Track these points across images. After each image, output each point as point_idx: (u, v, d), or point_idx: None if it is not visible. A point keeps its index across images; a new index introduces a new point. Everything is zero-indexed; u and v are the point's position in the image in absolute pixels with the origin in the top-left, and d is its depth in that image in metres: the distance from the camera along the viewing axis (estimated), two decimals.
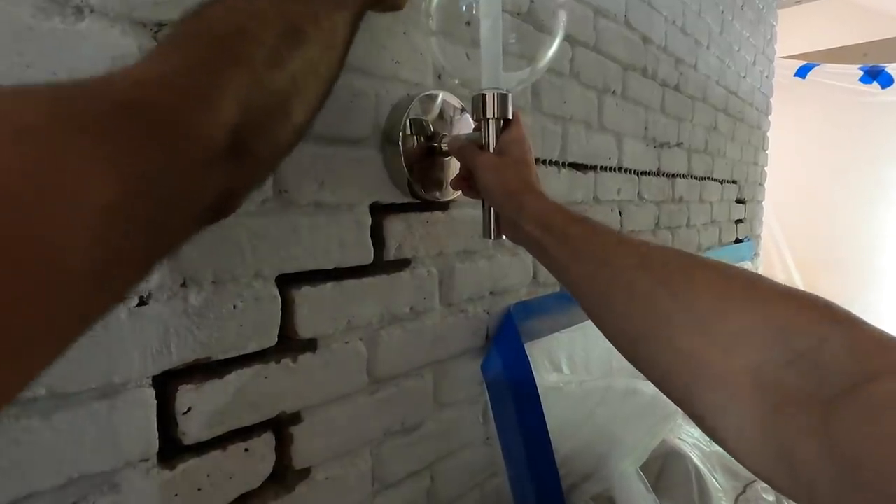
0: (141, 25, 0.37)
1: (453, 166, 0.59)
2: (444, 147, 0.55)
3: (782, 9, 1.84)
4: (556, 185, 0.81)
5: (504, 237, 0.48)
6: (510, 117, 0.47)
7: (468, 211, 0.65)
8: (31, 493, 0.34)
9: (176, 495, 0.41)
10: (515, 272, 0.74)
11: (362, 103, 0.52)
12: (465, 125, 0.61)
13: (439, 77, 0.60)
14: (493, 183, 0.44)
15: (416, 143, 0.54)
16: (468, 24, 0.63)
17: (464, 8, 0.50)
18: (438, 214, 0.61)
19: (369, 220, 0.54)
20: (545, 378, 0.72)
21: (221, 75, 0.26)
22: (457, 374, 0.67)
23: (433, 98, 0.57)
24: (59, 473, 0.35)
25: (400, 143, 0.53)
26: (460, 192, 0.58)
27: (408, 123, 0.53)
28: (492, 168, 0.45)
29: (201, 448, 0.42)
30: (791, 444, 0.23)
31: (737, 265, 0.31)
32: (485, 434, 0.72)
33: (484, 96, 0.46)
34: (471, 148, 0.47)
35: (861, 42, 2.42)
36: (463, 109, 0.61)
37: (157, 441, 0.40)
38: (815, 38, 2.46)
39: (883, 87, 1.80)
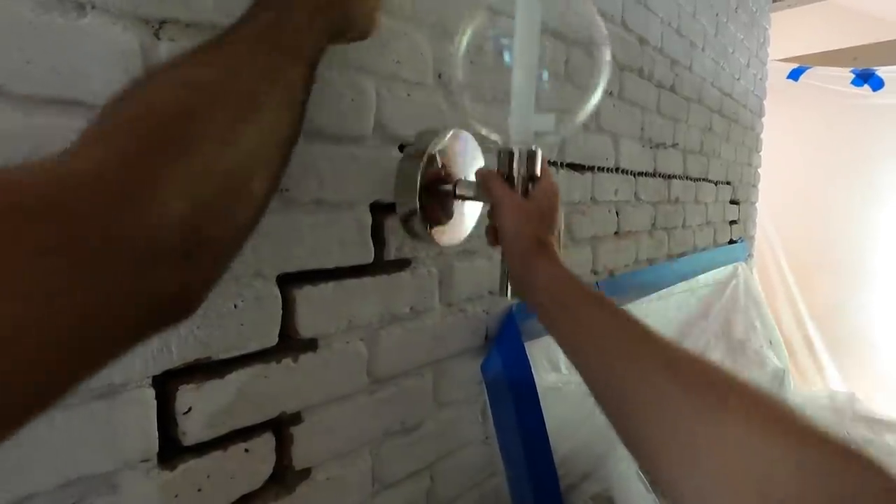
0: (143, 22, 0.36)
1: (464, 211, 0.56)
2: (462, 192, 0.52)
3: (775, 12, 1.86)
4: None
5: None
6: (538, 175, 0.44)
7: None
8: (30, 493, 0.33)
9: (176, 496, 0.40)
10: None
11: (363, 102, 0.51)
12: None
13: (439, 76, 0.60)
14: (510, 232, 0.42)
15: (432, 180, 0.52)
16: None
17: (497, 55, 0.45)
18: None
19: (370, 220, 0.54)
20: (544, 378, 0.72)
21: (164, 166, 0.24)
22: (456, 373, 0.67)
23: (456, 137, 0.55)
24: (58, 474, 0.34)
25: (418, 181, 0.50)
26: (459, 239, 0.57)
27: (426, 161, 0.51)
28: (514, 212, 0.42)
29: (202, 448, 0.42)
30: None
31: (765, 389, 0.28)
32: (484, 434, 0.72)
33: (511, 153, 0.43)
34: (499, 183, 0.44)
35: (852, 46, 2.45)
36: (486, 146, 0.59)
37: (158, 441, 0.39)
38: (808, 42, 2.49)
39: (874, 89, 1.83)
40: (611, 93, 0.94)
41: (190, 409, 0.41)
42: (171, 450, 0.40)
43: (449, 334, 0.65)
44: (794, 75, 1.97)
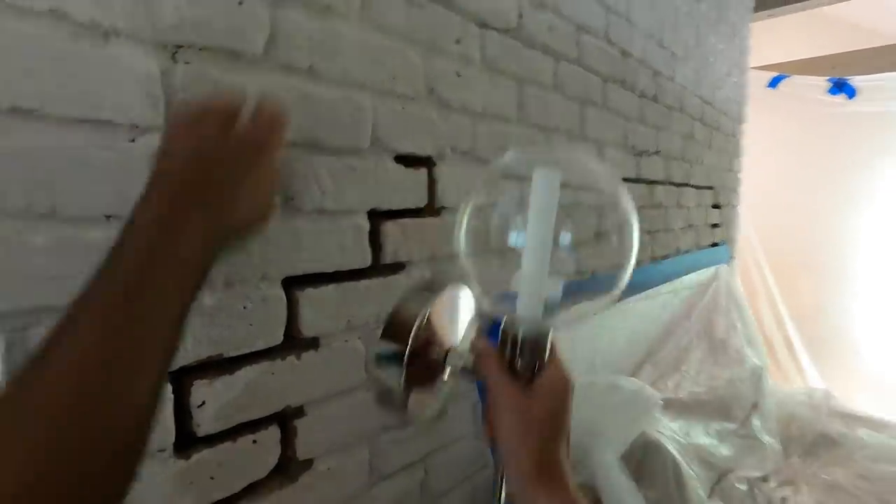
0: (162, 47, 0.40)
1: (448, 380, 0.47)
2: (453, 364, 0.43)
3: (756, 21, 1.93)
4: None
5: None
6: (543, 363, 0.37)
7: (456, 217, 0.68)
8: None
9: (191, 483, 0.43)
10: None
11: (361, 116, 0.55)
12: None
13: (431, 91, 0.63)
14: (507, 443, 0.35)
15: (421, 348, 0.42)
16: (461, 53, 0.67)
17: (503, 228, 0.39)
18: (431, 220, 0.65)
19: (368, 226, 0.57)
20: None
21: None
22: None
23: (453, 293, 0.47)
24: None
25: (406, 354, 0.41)
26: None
27: (418, 327, 0.42)
28: (513, 415, 0.35)
29: (213, 439, 0.45)
30: None
31: None
32: (475, 429, 0.76)
33: (515, 336, 0.37)
34: (496, 368, 0.37)
35: (830, 54, 2.53)
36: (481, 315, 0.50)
37: (174, 432, 0.42)
38: (788, 49, 2.57)
39: (849, 97, 1.90)
40: (595, 103, 0.99)
41: (203, 402, 0.44)
42: (186, 441, 0.44)
43: None
44: (773, 83, 2.04)
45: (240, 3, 0.44)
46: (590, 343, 0.97)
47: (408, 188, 0.62)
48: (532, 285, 0.36)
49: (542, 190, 0.35)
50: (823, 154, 2.04)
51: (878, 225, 2.03)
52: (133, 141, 0.39)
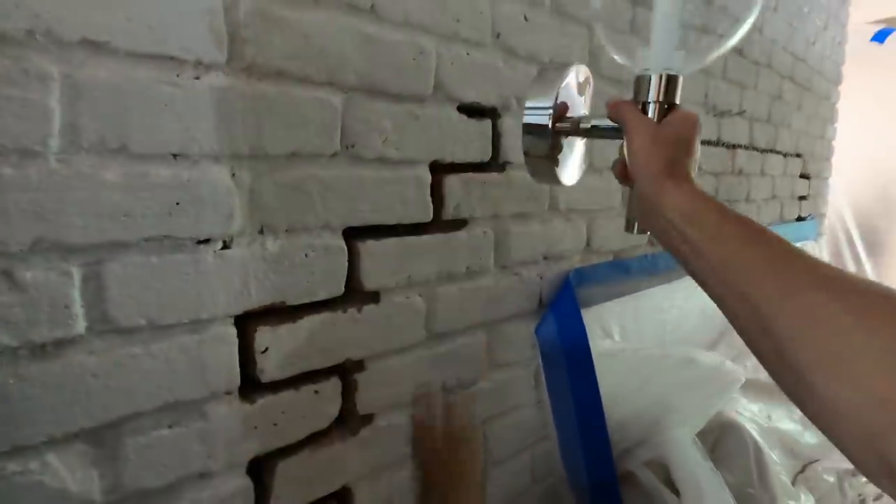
0: None
1: (576, 148, 0.52)
2: (585, 127, 0.48)
3: None
4: (613, 152, 0.80)
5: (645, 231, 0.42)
6: (677, 102, 0.41)
7: (524, 173, 0.64)
8: (134, 412, 0.37)
9: (255, 427, 0.44)
10: (570, 238, 0.74)
11: (424, 61, 0.52)
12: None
13: (497, 36, 0.59)
14: (642, 155, 0.39)
15: (557, 119, 0.48)
16: None
17: None
18: (495, 176, 0.62)
19: (429, 179, 0.55)
20: (598, 345, 0.72)
21: None
22: (510, 335, 0.67)
23: (576, 72, 0.50)
24: (157, 397, 0.38)
25: (549, 123, 0.47)
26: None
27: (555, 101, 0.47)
28: (646, 136, 0.39)
29: (277, 386, 0.45)
30: None
31: None
32: (536, 397, 0.73)
33: (650, 78, 0.40)
34: (632, 109, 0.41)
35: None
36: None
37: (239, 376, 0.43)
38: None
39: None
40: None
41: (267, 349, 0.44)
42: (251, 385, 0.44)
43: (503, 296, 0.65)
44: (880, 37, 1.80)
45: None
46: (659, 317, 0.90)
47: (471, 140, 0.59)
48: (664, 27, 0.40)
49: None
50: None
51: None
52: (198, 79, 0.38)
